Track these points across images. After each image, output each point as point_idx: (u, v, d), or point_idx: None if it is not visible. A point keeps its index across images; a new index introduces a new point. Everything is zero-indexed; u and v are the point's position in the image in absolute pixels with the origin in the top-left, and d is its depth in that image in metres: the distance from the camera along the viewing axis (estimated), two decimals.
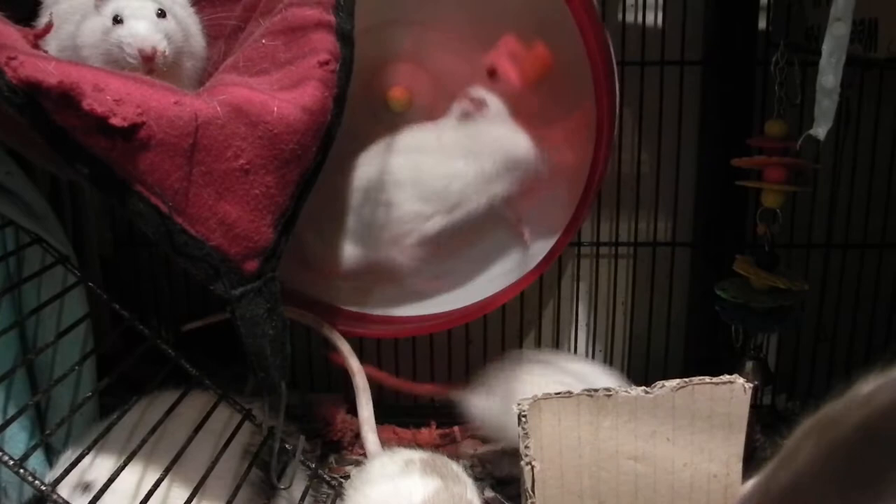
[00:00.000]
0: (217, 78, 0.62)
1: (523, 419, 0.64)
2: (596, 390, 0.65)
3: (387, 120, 0.92)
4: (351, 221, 0.89)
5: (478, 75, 0.90)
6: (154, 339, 0.73)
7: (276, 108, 0.57)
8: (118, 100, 0.53)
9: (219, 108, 0.56)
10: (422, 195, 0.86)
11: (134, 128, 0.53)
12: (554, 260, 0.92)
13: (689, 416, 0.65)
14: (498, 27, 0.88)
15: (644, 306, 1.03)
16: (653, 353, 1.03)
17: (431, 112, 0.92)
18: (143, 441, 0.64)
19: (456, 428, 0.99)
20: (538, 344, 1.06)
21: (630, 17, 0.94)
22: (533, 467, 0.59)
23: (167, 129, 0.54)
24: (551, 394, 0.65)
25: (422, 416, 1.01)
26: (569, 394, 0.65)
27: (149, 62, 0.60)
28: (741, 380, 0.64)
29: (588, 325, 1.05)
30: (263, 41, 0.63)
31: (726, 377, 0.64)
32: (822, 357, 1.00)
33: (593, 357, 1.05)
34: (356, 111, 0.88)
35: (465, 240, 0.93)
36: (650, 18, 0.94)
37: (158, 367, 0.73)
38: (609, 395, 0.65)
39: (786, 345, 0.98)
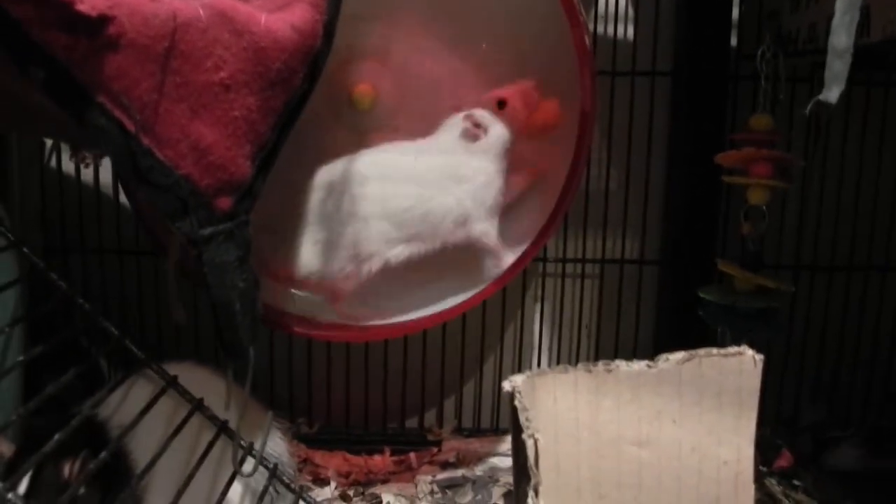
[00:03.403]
0: None
1: (518, 395, 0.56)
2: (595, 365, 0.58)
3: (350, 118, 0.86)
4: (312, 224, 0.82)
5: (447, 75, 0.87)
6: (96, 315, 0.63)
7: (263, 20, 0.51)
8: None
9: (201, 11, 0.49)
10: (387, 213, 0.80)
11: (102, 21, 0.46)
12: (518, 272, 0.86)
13: (696, 393, 0.58)
14: (470, 25, 0.85)
15: (610, 328, 0.97)
16: None
17: (396, 112, 0.87)
18: (75, 427, 0.54)
19: (412, 454, 0.90)
20: (499, 368, 0.98)
21: (601, 29, 0.92)
22: (536, 440, 0.52)
23: (140, 27, 0.47)
24: (546, 369, 0.58)
25: (375, 443, 0.92)
26: (565, 369, 0.58)
27: None
28: (751, 351, 0.58)
29: (551, 348, 0.98)
30: None
31: (734, 348, 0.58)
32: (790, 377, 0.96)
33: None
34: (318, 107, 0.82)
35: (426, 273, 0.86)
36: (621, 30, 0.92)
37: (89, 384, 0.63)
38: (609, 371, 0.58)
39: None
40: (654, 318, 0.97)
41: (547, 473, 0.57)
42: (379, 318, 0.88)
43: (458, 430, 0.97)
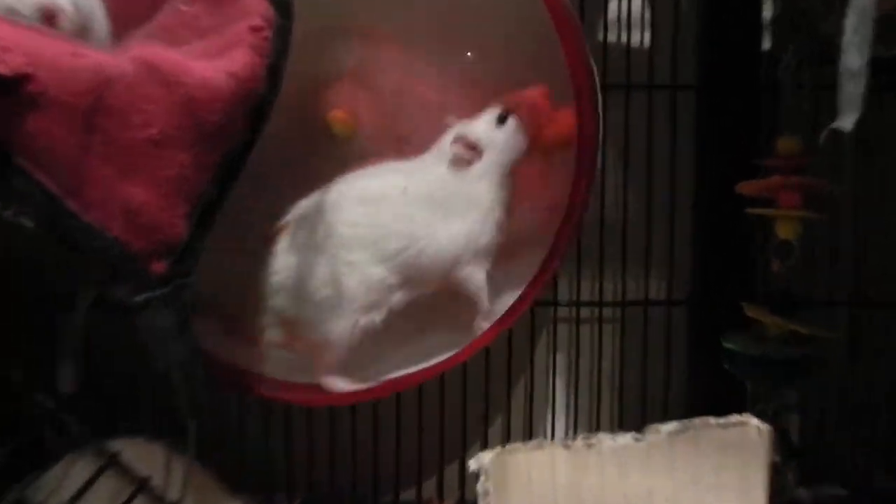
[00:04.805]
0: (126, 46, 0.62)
1: (484, 476, 0.61)
2: (574, 439, 0.63)
3: (326, 149, 0.92)
4: (286, 276, 0.86)
5: (436, 95, 0.92)
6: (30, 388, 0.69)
7: (197, 70, 0.57)
8: (3, 47, 0.52)
9: (128, 64, 0.55)
10: (381, 257, 0.84)
11: (20, 80, 0.52)
12: (520, 316, 0.90)
13: (692, 469, 0.63)
14: (459, 38, 0.90)
15: (636, 381, 1.01)
16: None
17: (380, 138, 0.92)
18: None
19: None
20: (506, 431, 1.03)
21: (612, 37, 0.97)
22: None
23: (62, 84, 0.54)
24: (518, 445, 0.63)
25: None
26: (539, 444, 0.63)
27: (49, 24, 0.59)
28: (755, 420, 0.62)
29: (568, 405, 1.03)
30: (182, 7, 0.64)
31: (736, 417, 0.63)
32: (860, 433, 0.99)
33: None
34: (289, 138, 0.88)
35: (419, 321, 0.92)
36: (636, 37, 0.97)
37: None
38: (590, 446, 0.63)
39: (808, 420, 0.97)
40: (687, 367, 1.01)
41: None
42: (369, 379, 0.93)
43: (462, 503, 1.01)
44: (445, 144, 0.86)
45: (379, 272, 0.84)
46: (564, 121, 0.85)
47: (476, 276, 0.86)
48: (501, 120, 0.85)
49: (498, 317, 0.89)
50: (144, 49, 0.58)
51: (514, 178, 0.87)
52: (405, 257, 0.84)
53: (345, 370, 0.89)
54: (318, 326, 0.85)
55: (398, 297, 0.85)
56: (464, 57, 0.92)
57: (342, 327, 0.85)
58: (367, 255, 0.83)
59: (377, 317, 0.85)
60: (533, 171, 0.89)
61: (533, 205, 0.91)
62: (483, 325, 0.88)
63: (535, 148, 0.86)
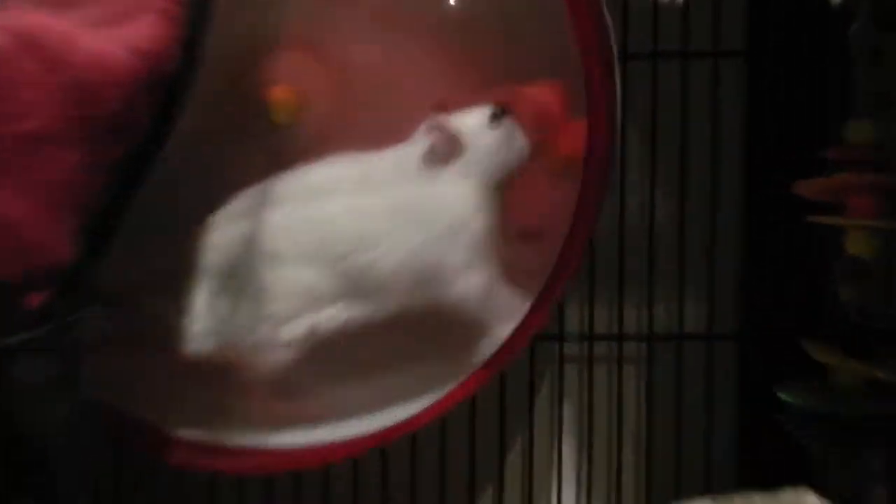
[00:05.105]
0: None
1: None
2: None
3: (265, 135, 0.92)
4: (208, 282, 0.87)
5: (414, 72, 0.92)
6: None
7: (89, 45, 0.57)
8: None
9: None
10: (318, 258, 0.85)
11: None
12: (514, 353, 0.90)
13: None
14: None
15: (666, 438, 1.02)
16: None
17: (335, 125, 0.93)
18: None
19: None
20: None
21: None
22: None
23: None
24: None
25: None
26: None
27: None
28: (813, 498, 0.63)
29: (579, 473, 1.03)
30: None
31: (789, 494, 0.63)
32: None
33: None
34: (219, 121, 0.89)
35: (380, 354, 0.93)
36: None
37: None
38: None
39: None
40: (735, 420, 1.01)
41: None
42: (312, 433, 0.93)
43: None
44: (419, 135, 0.87)
45: (308, 276, 0.85)
46: (577, 134, 0.85)
47: (471, 295, 0.86)
48: (496, 118, 0.86)
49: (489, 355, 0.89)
50: (20, 16, 0.58)
51: (509, 190, 0.88)
52: (352, 264, 0.85)
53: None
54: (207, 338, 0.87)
55: (331, 313, 0.86)
56: (451, 19, 0.92)
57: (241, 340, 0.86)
58: (297, 253, 0.85)
59: (291, 332, 0.86)
60: (533, 177, 0.90)
61: (531, 210, 0.92)
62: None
63: (538, 157, 0.87)
